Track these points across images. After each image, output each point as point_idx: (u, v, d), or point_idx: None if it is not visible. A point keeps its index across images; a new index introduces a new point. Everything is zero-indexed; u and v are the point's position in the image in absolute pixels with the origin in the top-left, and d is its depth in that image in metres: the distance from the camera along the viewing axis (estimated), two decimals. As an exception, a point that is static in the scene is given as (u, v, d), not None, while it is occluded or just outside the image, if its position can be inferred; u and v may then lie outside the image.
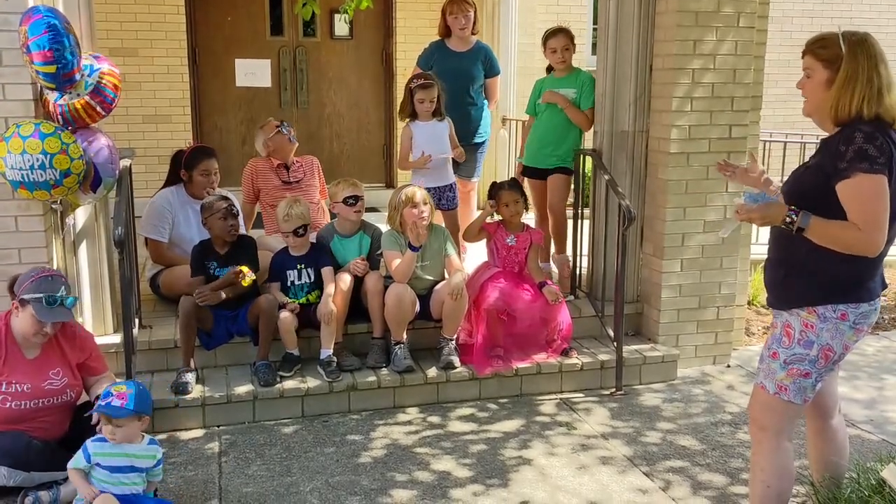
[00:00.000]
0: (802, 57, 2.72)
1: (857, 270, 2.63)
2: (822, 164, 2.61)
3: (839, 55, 2.59)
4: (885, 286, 2.77)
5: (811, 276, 2.67)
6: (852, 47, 2.59)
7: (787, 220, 2.59)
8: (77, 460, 3.14)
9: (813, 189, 2.63)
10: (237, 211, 4.47)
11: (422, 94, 4.97)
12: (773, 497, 2.83)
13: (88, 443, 3.15)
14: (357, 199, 4.61)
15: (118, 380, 3.56)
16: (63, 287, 3.36)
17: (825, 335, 2.67)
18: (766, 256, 2.90)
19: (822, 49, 2.65)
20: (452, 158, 5.17)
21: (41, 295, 3.26)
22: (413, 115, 5.05)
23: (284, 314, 4.32)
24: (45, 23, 3.52)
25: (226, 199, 4.46)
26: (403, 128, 5.14)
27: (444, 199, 5.13)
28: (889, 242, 2.64)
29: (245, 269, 4.24)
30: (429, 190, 4.89)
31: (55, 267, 4.02)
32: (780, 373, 2.74)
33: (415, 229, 4.36)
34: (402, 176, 8.46)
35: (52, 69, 3.57)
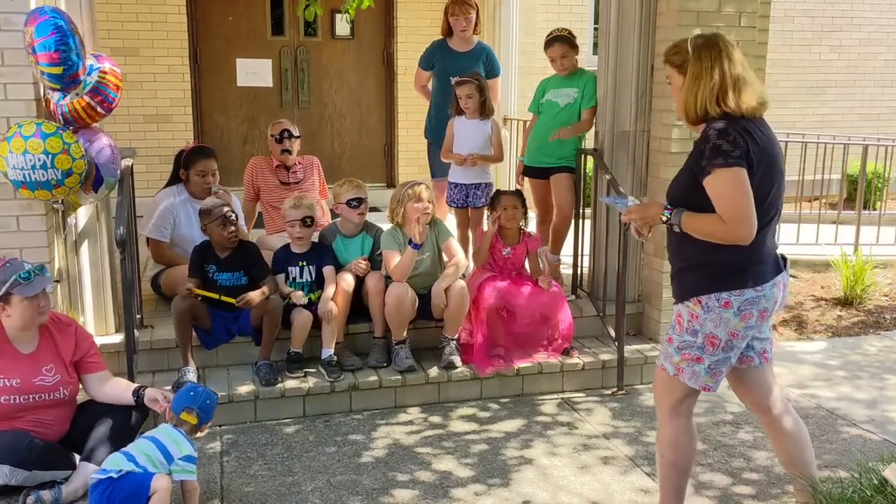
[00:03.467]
0: (665, 65, 2.87)
1: (737, 258, 2.73)
2: (690, 165, 2.75)
3: (688, 59, 2.73)
4: (779, 271, 2.83)
5: (696, 269, 2.81)
6: (697, 49, 2.73)
7: (664, 218, 2.80)
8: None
9: (687, 189, 2.77)
10: (235, 217, 4.41)
11: (458, 90, 5.06)
12: (667, 467, 2.98)
13: (135, 452, 3.15)
14: (360, 201, 4.62)
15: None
16: (25, 263, 3.37)
17: (709, 324, 2.79)
18: None
19: (675, 55, 2.81)
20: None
21: (14, 276, 3.26)
22: (460, 111, 5.11)
23: (305, 313, 4.33)
24: (52, 24, 3.52)
25: (225, 204, 4.41)
26: (450, 121, 5.23)
27: (471, 196, 5.17)
28: (765, 230, 2.74)
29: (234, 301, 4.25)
30: (458, 185, 5.07)
31: (56, 267, 4.03)
32: (676, 357, 2.89)
33: (416, 225, 4.37)
34: (403, 175, 8.51)
35: (58, 70, 3.57)
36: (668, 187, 2.91)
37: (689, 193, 2.76)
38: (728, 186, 2.63)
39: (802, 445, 3.05)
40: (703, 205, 2.70)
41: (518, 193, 4.88)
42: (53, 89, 3.71)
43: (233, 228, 4.33)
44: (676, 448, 2.96)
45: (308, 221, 4.47)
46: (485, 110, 5.08)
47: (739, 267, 2.74)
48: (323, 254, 4.56)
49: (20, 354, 3.38)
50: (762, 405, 3.03)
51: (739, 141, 2.63)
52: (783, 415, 3.03)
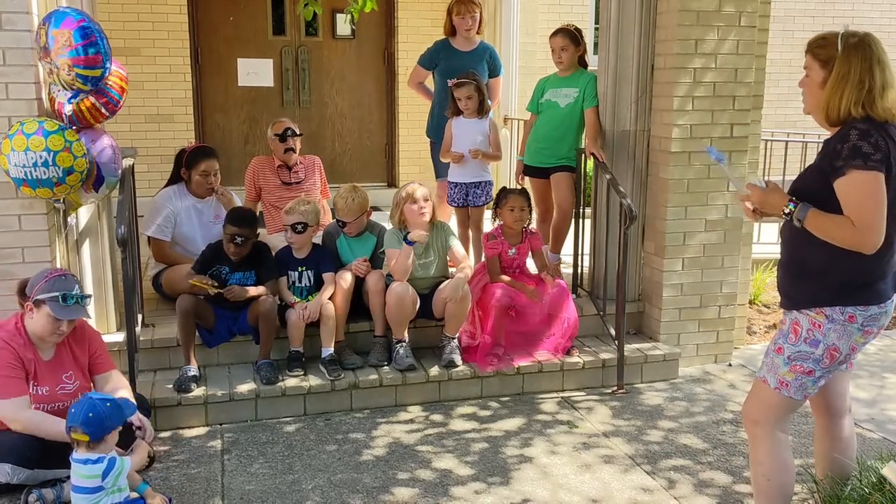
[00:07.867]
0: (805, 55, 2.74)
1: (867, 272, 2.63)
2: (821, 164, 2.63)
3: (835, 55, 2.61)
4: None
5: (820, 278, 2.68)
6: (847, 48, 2.59)
7: (786, 210, 2.65)
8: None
9: (815, 189, 2.64)
10: (242, 242, 4.32)
11: (456, 92, 5.08)
12: (775, 490, 2.84)
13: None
14: (344, 223, 4.62)
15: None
16: (77, 285, 3.38)
17: (832, 335, 2.68)
18: (776, 258, 2.91)
19: (820, 49, 2.67)
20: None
21: (57, 293, 3.28)
22: (458, 112, 5.13)
23: (295, 313, 4.33)
24: (90, 28, 3.59)
25: (239, 225, 4.31)
26: (448, 122, 5.26)
27: (470, 195, 5.18)
28: (891, 241, 2.63)
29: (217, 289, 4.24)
30: (457, 185, 5.10)
31: (58, 266, 4.03)
32: (783, 368, 2.75)
33: (414, 223, 4.39)
34: (404, 175, 8.52)
35: (97, 73, 3.65)
36: (792, 183, 2.77)
37: (813, 193, 2.63)
38: (863, 189, 2.49)
39: (851, 453, 3.02)
40: (828, 207, 2.57)
41: (524, 193, 4.89)
42: (81, 90, 3.73)
43: (236, 250, 4.31)
44: (785, 468, 2.83)
45: (299, 228, 4.45)
46: (482, 109, 5.10)
47: (865, 281, 2.63)
48: (323, 258, 4.56)
49: (44, 361, 3.40)
50: (833, 408, 2.97)
51: (881, 144, 2.50)
52: (846, 420, 3.00)
